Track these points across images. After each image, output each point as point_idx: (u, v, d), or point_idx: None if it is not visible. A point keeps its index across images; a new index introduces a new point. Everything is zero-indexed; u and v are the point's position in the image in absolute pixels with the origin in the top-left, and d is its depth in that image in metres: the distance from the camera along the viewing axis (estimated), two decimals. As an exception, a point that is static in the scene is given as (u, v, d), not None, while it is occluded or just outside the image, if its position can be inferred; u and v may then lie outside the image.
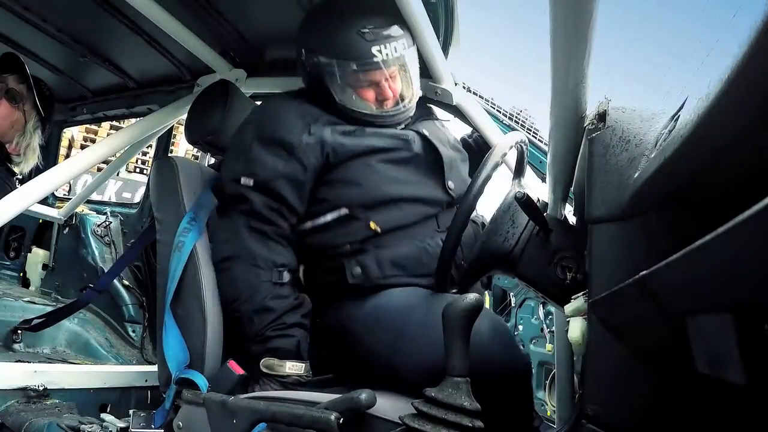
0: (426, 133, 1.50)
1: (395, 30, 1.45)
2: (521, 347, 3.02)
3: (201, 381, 1.19)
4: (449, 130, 1.69)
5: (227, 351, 1.35)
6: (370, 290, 1.37)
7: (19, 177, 2.41)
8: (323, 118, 1.45)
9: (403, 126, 1.53)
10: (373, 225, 1.39)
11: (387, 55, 1.43)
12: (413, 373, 1.16)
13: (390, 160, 1.43)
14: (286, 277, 1.35)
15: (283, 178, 1.38)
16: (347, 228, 1.41)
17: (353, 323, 1.35)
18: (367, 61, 1.42)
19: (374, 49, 1.42)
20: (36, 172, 2.38)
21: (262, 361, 1.26)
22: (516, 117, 2.12)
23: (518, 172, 1.37)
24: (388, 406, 1.06)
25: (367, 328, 1.32)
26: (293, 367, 1.28)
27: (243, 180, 1.38)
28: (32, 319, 2.20)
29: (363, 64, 1.43)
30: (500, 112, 2.09)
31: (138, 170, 6.43)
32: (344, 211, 1.40)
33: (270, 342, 1.28)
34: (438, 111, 1.82)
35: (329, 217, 1.42)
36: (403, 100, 1.52)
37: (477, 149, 1.77)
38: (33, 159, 2.40)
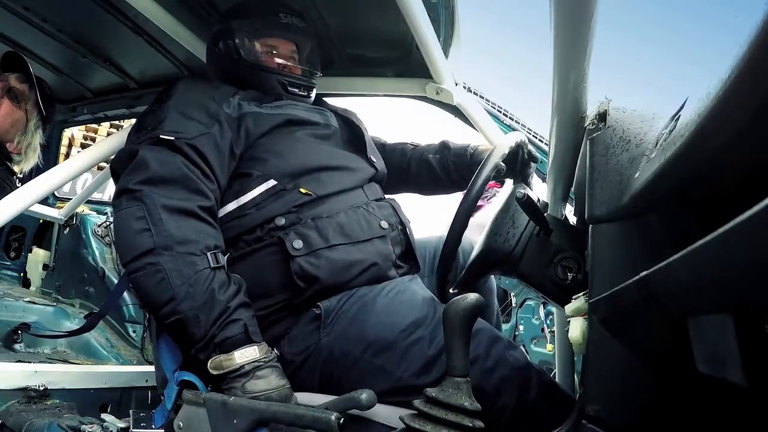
0: (342, 113, 1.59)
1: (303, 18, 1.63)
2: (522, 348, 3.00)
3: (197, 382, 1.17)
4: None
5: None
6: (324, 292, 1.22)
7: (20, 176, 2.41)
8: (239, 93, 1.44)
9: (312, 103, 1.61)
10: (304, 190, 1.31)
11: (291, 21, 1.58)
12: (415, 377, 1.11)
13: (312, 134, 1.44)
14: (222, 259, 1.19)
15: (206, 136, 1.28)
16: (278, 200, 1.30)
17: (330, 345, 1.19)
18: (272, 20, 1.56)
19: (281, 14, 1.57)
20: (36, 171, 2.39)
21: (208, 364, 1.12)
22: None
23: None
24: (388, 410, 1.06)
25: (349, 343, 1.17)
26: (244, 355, 1.10)
27: (162, 136, 1.25)
28: (31, 323, 2.21)
29: (268, 23, 1.56)
30: (501, 111, 2.10)
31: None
32: (271, 182, 1.31)
33: (215, 338, 1.11)
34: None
35: (256, 192, 1.31)
36: (304, 73, 1.62)
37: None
38: (33, 158, 2.41)
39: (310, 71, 1.63)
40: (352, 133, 1.55)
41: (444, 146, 1.76)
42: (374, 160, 1.52)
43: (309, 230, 1.25)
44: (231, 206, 1.32)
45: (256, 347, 1.12)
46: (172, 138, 1.24)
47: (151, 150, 1.24)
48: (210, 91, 1.40)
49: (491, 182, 3.98)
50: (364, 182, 1.43)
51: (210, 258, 1.16)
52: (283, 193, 1.31)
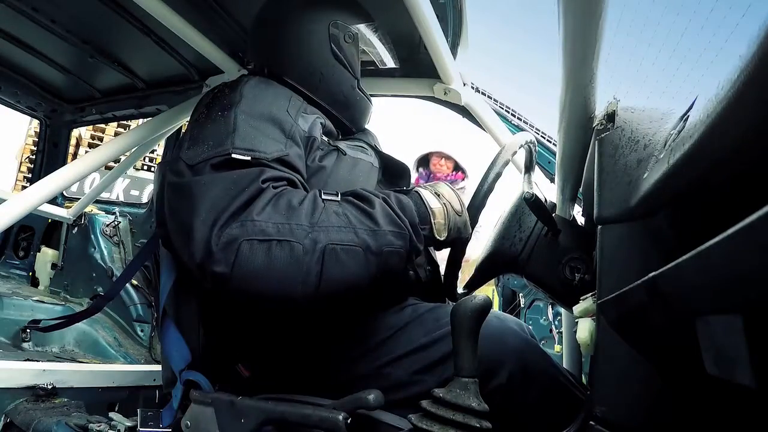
0: (385, 155, 1.48)
1: None
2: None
3: (204, 381, 1.17)
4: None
5: (232, 353, 1.31)
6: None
7: None
8: (309, 108, 1.27)
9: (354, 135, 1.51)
10: None
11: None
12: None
13: (356, 170, 1.32)
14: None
15: (283, 160, 1.09)
16: None
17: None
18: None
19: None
20: (44, 171, 2.39)
21: (436, 235, 1.06)
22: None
23: (527, 173, 1.36)
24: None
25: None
26: (433, 202, 1.07)
27: (235, 155, 1.01)
28: (41, 320, 2.22)
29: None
30: (509, 112, 2.10)
31: (146, 168, 6.46)
32: None
33: (414, 224, 1.03)
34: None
35: None
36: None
37: None
38: None
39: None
40: (393, 174, 1.43)
41: None
42: None
43: None
44: None
45: (425, 191, 1.10)
46: (248, 158, 1.02)
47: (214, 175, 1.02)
48: (282, 101, 1.20)
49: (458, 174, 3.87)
50: None
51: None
52: None
